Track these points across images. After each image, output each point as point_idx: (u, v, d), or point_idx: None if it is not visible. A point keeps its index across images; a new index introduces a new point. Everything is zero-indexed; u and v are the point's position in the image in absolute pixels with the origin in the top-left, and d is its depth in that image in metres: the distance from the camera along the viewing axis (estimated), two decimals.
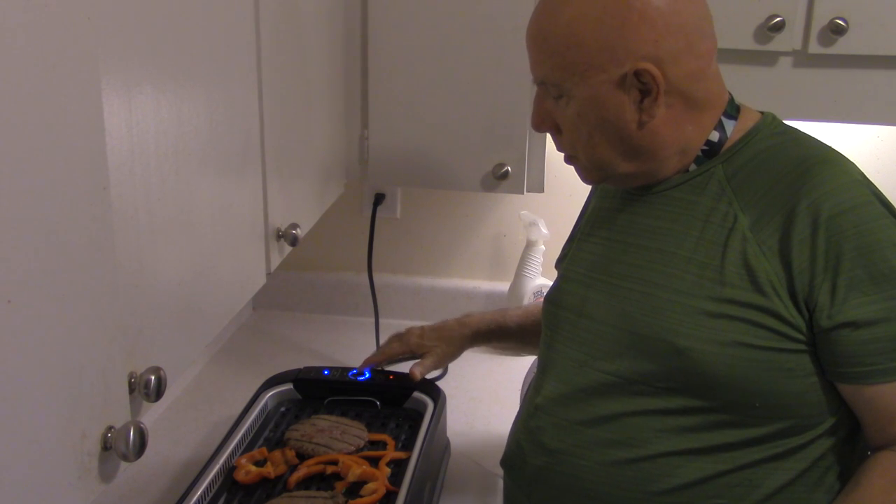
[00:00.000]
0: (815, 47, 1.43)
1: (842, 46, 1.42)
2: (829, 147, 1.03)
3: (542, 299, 1.29)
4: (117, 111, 0.75)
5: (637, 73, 0.97)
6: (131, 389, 0.77)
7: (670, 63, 0.97)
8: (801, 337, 0.97)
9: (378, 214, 1.91)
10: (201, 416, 1.64)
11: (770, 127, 1.06)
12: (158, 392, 0.78)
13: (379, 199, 1.93)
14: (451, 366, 1.83)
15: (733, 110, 1.05)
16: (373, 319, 1.89)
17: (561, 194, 1.93)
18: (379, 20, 1.54)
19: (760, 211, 0.99)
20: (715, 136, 1.04)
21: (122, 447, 0.72)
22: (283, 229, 1.22)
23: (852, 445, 1.04)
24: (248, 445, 1.37)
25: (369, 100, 1.58)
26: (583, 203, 1.91)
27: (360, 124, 1.61)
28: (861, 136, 1.78)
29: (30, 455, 0.63)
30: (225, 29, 1.00)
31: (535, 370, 1.80)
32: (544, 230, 1.88)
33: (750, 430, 0.99)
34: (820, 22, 1.42)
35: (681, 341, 0.99)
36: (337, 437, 1.35)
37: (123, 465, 0.75)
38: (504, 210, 1.99)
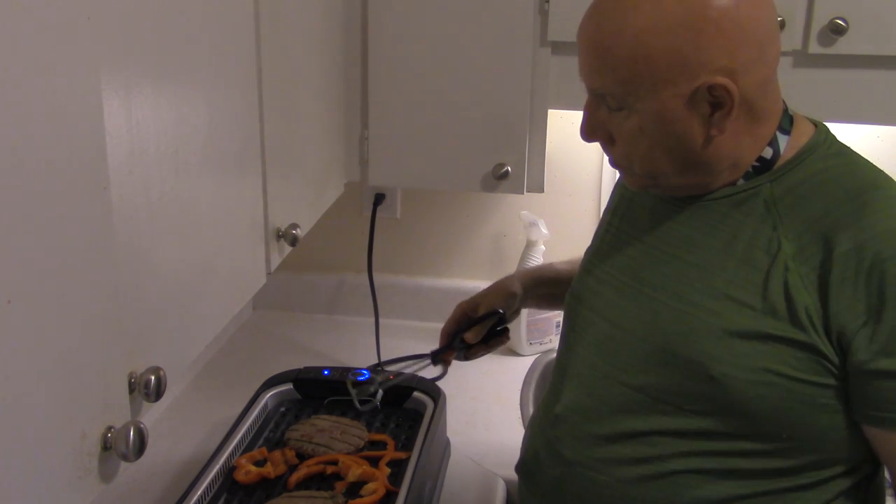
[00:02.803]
0: (815, 47, 1.43)
1: (842, 46, 1.42)
2: (887, 177, 1.00)
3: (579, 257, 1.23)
4: (117, 111, 0.74)
5: (710, 88, 0.92)
6: (131, 389, 0.77)
7: (742, 73, 0.92)
8: (835, 372, 0.94)
9: (378, 214, 1.91)
10: (201, 416, 1.64)
11: (825, 146, 1.01)
12: (158, 392, 0.78)
13: (379, 199, 1.93)
14: (451, 366, 1.83)
15: (787, 123, 1.01)
16: (373, 319, 1.89)
17: (561, 194, 1.93)
18: (379, 20, 1.54)
19: (805, 241, 0.94)
20: (768, 152, 0.99)
21: (122, 447, 0.72)
22: (283, 229, 1.22)
23: (872, 480, 1.02)
24: (248, 445, 1.37)
25: (369, 100, 1.58)
26: (583, 202, 1.93)
27: (360, 124, 1.61)
28: (861, 136, 1.78)
29: (30, 455, 0.63)
30: (225, 29, 1.00)
31: (535, 370, 1.81)
32: (544, 230, 1.88)
33: (776, 461, 0.98)
34: (820, 22, 1.42)
35: (715, 366, 0.95)
36: (337, 437, 1.35)
37: (123, 465, 0.75)
38: (504, 210, 1.99)
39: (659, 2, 0.91)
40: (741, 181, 1.01)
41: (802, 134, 1.01)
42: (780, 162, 1.00)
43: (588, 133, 1.02)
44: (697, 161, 0.98)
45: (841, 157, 1.01)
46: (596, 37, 0.95)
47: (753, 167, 1.00)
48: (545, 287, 1.36)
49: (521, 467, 1.18)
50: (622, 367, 1.03)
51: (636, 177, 1.04)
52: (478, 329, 1.27)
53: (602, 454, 1.04)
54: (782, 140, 1.00)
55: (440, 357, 1.30)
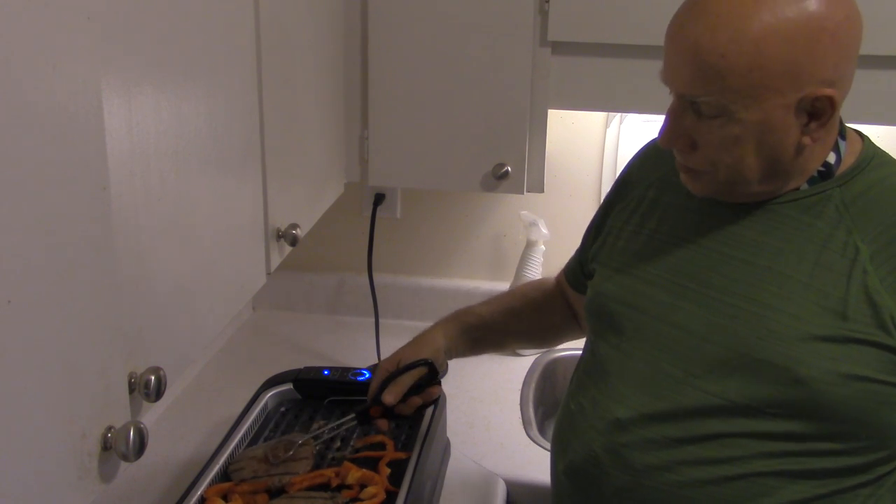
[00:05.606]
0: None
1: None
2: None
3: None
4: (117, 111, 0.75)
5: (815, 99, 0.92)
6: (131, 389, 0.77)
7: (839, 86, 0.93)
8: None
9: (378, 214, 1.91)
10: (201, 416, 1.64)
11: (877, 152, 1.03)
12: (158, 392, 0.78)
13: (379, 199, 1.93)
14: (452, 366, 1.83)
15: (843, 129, 1.02)
16: (373, 320, 1.89)
17: (561, 194, 1.93)
18: (379, 20, 1.54)
19: (881, 244, 0.96)
20: (832, 157, 1.00)
21: (122, 447, 0.72)
22: (283, 229, 1.22)
23: None
24: (248, 445, 1.36)
25: (369, 100, 1.58)
26: (583, 202, 1.93)
27: (360, 124, 1.61)
28: None
29: (30, 455, 0.63)
30: (225, 29, 1.00)
31: (535, 370, 1.81)
32: (544, 230, 1.88)
33: (849, 459, 0.99)
34: None
35: (802, 370, 0.95)
36: (287, 458, 1.27)
37: (123, 465, 0.75)
38: (504, 210, 1.99)
39: (779, 9, 0.89)
40: (805, 186, 1.01)
41: (854, 141, 1.03)
42: (842, 167, 1.01)
43: (670, 141, 1.00)
44: (783, 170, 0.98)
45: (894, 165, 1.03)
46: (706, 43, 0.91)
47: (819, 172, 1.00)
48: (472, 332, 1.35)
49: (573, 472, 1.12)
50: (697, 373, 1.01)
51: (715, 183, 1.01)
52: (399, 383, 1.25)
53: (680, 456, 1.02)
54: (842, 146, 1.01)
55: (367, 415, 1.28)
